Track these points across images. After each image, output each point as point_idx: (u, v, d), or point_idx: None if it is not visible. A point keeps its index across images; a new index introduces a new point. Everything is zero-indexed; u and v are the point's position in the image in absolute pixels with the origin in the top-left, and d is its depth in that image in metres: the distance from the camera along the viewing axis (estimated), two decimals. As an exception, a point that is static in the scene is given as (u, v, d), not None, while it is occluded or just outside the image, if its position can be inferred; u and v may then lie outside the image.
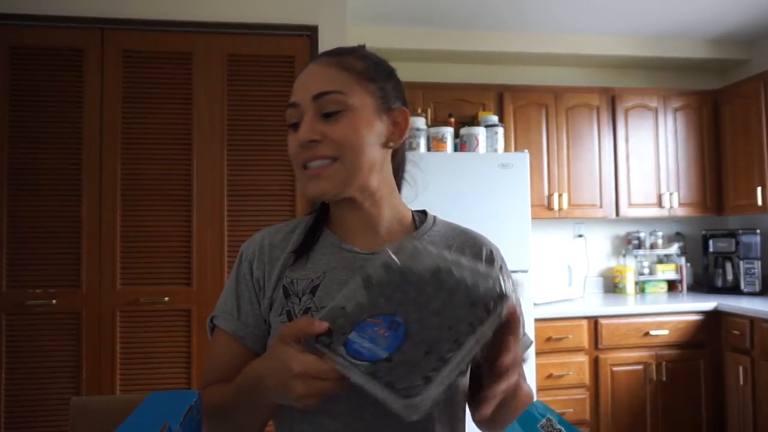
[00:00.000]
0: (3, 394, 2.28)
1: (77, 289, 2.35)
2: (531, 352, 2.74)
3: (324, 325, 0.68)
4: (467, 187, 2.74)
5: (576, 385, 2.98)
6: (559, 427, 0.63)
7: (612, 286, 3.73)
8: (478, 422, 0.84)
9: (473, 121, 3.18)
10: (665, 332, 3.07)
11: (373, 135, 0.83)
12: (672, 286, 3.68)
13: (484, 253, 0.89)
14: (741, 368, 2.92)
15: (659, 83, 3.86)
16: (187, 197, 2.44)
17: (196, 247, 2.42)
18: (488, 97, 3.34)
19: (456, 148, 2.98)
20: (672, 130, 3.53)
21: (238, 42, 2.51)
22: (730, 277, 3.46)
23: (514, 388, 0.70)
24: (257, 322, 0.87)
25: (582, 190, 3.39)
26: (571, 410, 2.96)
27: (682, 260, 3.68)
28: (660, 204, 3.48)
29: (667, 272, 3.67)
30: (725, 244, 3.49)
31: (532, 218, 2.91)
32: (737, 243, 3.44)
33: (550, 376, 2.94)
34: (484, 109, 3.30)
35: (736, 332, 2.98)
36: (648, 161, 3.48)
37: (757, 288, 3.37)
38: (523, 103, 3.36)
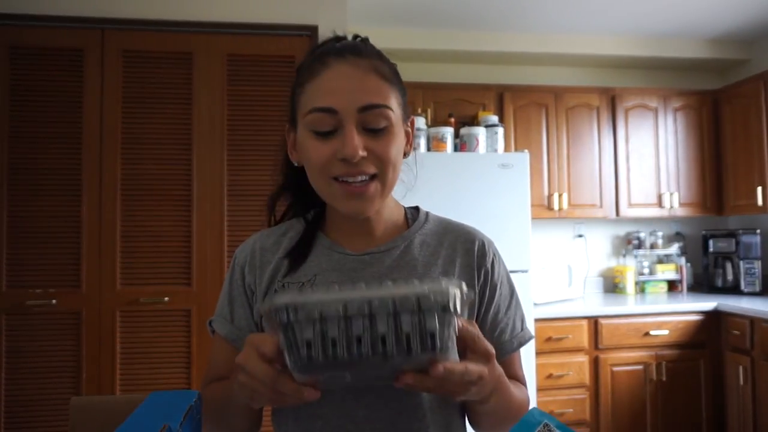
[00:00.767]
0: (3, 394, 2.28)
1: (77, 289, 2.35)
2: (531, 352, 2.74)
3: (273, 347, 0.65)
4: (467, 187, 2.74)
5: (576, 385, 2.98)
6: (556, 431, 0.63)
7: (612, 286, 3.73)
8: (473, 426, 0.85)
9: (473, 121, 3.18)
10: (665, 332, 3.07)
11: (402, 149, 0.82)
12: (672, 286, 3.68)
13: (476, 247, 0.87)
14: (741, 368, 2.92)
15: (659, 83, 3.86)
16: (187, 197, 2.44)
17: (196, 247, 2.42)
18: (488, 97, 3.34)
19: (456, 148, 2.98)
20: (672, 130, 3.53)
21: (238, 42, 2.51)
22: (730, 277, 3.46)
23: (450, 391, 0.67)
24: (250, 326, 0.87)
25: (582, 190, 3.39)
26: (571, 410, 2.96)
27: (682, 260, 3.68)
28: (660, 204, 3.48)
29: (667, 272, 3.67)
30: (725, 244, 3.49)
31: (532, 218, 2.91)
32: (737, 243, 3.44)
33: (550, 376, 2.94)
34: (484, 109, 3.29)
35: (736, 332, 2.98)
36: (648, 161, 3.48)
37: (757, 288, 3.37)
38: (523, 103, 3.36)
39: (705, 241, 3.60)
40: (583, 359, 3.00)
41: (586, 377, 2.99)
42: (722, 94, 3.53)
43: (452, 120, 3.12)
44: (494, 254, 0.89)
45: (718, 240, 3.53)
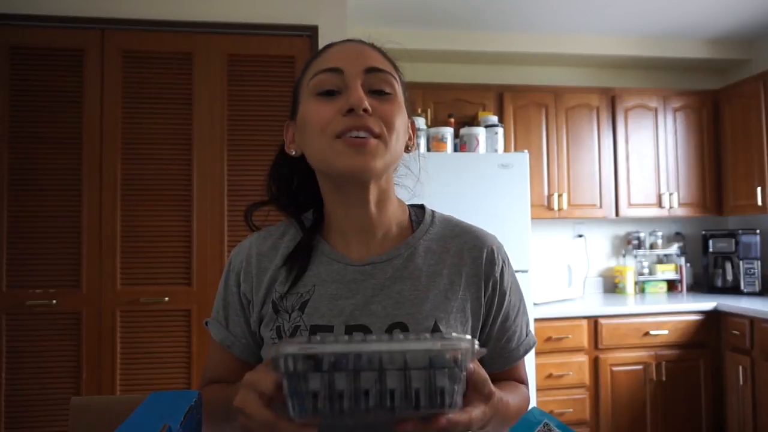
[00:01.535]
0: (3, 394, 2.28)
1: (77, 289, 2.35)
2: (531, 352, 2.74)
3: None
4: (467, 187, 2.75)
5: (576, 385, 2.98)
6: (556, 430, 0.63)
7: (612, 286, 3.73)
8: None
9: (473, 122, 3.18)
10: (665, 332, 3.07)
11: (404, 135, 0.81)
12: (672, 286, 3.68)
13: (484, 255, 0.84)
14: (741, 368, 2.92)
15: (659, 83, 3.86)
16: (187, 197, 2.44)
17: (196, 247, 2.42)
18: (488, 97, 3.34)
19: (456, 149, 2.98)
20: (672, 130, 3.53)
21: (238, 42, 2.51)
22: (729, 277, 3.46)
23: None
24: (244, 333, 0.86)
25: (582, 190, 3.39)
26: (571, 410, 2.96)
27: (682, 260, 3.68)
28: (660, 204, 3.48)
29: (667, 272, 3.67)
30: (725, 244, 3.49)
31: (532, 218, 2.91)
32: (737, 243, 3.44)
33: (549, 376, 2.94)
34: (484, 110, 3.30)
35: (735, 332, 2.98)
36: (648, 161, 3.48)
37: (757, 288, 3.37)
38: (523, 103, 3.36)
39: (705, 241, 3.60)
40: (583, 359, 3.00)
41: (586, 377, 2.99)
42: (722, 94, 3.53)
43: (452, 120, 3.12)
44: (503, 261, 0.86)
45: (717, 240, 3.53)
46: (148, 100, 2.43)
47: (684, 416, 3.07)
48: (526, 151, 2.97)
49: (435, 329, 0.78)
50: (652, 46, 3.62)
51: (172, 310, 2.40)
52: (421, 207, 0.91)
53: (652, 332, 3.06)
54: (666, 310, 3.11)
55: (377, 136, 0.75)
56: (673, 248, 3.71)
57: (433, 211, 0.90)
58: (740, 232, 3.45)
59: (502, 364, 0.87)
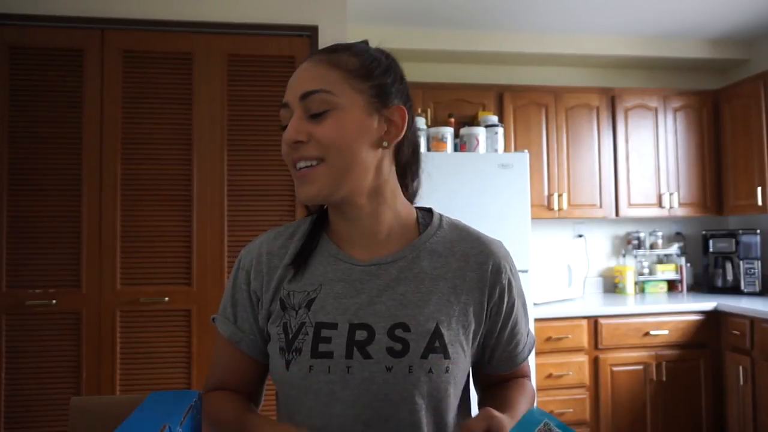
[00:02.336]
0: (3, 394, 2.28)
1: (77, 289, 2.35)
2: (531, 352, 2.74)
3: None
4: (467, 187, 2.75)
5: (576, 385, 2.98)
6: (556, 430, 0.63)
7: (612, 286, 3.73)
8: None
9: (473, 121, 3.18)
10: (665, 332, 3.07)
11: (363, 135, 0.79)
12: (672, 286, 3.68)
13: (491, 262, 0.85)
14: (741, 368, 2.92)
15: (659, 83, 3.86)
16: (187, 197, 2.44)
17: (196, 247, 2.42)
18: (488, 97, 3.34)
19: (456, 148, 2.98)
20: (672, 130, 3.53)
21: (238, 42, 2.51)
22: (730, 277, 3.46)
23: None
24: (252, 329, 0.87)
25: (582, 190, 3.39)
26: (571, 410, 2.96)
27: (682, 260, 3.68)
28: (660, 204, 3.48)
29: (667, 272, 3.67)
30: (725, 244, 3.49)
31: (532, 218, 2.91)
32: (737, 243, 3.44)
33: (549, 376, 2.94)
34: (484, 109, 3.30)
35: (736, 332, 2.98)
36: (648, 161, 3.48)
37: (757, 288, 3.37)
38: (523, 103, 3.36)
39: (705, 241, 3.60)
40: (582, 359, 3.00)
41: (586, 377, 2.99)
42: (722, 94, 3.53)
43: (452, 120, 3.12)
44: (511, 269, 0.87)
45: (718, 240, 3.53)
46: (148, 100, 2.43)
47: (684, 416, 3.07)
48: (526, 150, 2.97)
49: (436, 331, 0.78)
50: (652, 46, 3.62)
51: (172, 310, 2.40)
52: (429, 210, 0.92)
53: (652, 332, 3.06)
54: (666, 310, 3.11)
55: (321, 159, 0.78)
56: (674, 248, 3.71)
57: (441, 215, 0.91)
58: (740, 232, 3.45)
59: (510, 367, 0.91)
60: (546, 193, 3.34)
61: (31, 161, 2.35)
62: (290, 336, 0.80)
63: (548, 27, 3.43)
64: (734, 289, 3.43)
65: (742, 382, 2.92)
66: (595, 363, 3.02)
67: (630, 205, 3.44)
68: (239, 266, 0.89)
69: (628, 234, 3.76)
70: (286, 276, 0.84)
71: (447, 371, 0.78)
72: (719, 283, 3.50)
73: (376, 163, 0.82)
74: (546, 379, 2.93)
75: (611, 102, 3.47)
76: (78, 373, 2.33)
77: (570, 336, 2.99)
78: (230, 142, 2.47)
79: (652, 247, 3.71)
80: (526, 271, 2.74)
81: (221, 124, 2.47)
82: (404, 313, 0.79)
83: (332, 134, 0.77)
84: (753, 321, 2.87)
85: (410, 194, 0.91)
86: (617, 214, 3.43)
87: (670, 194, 3.48)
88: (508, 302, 0.85)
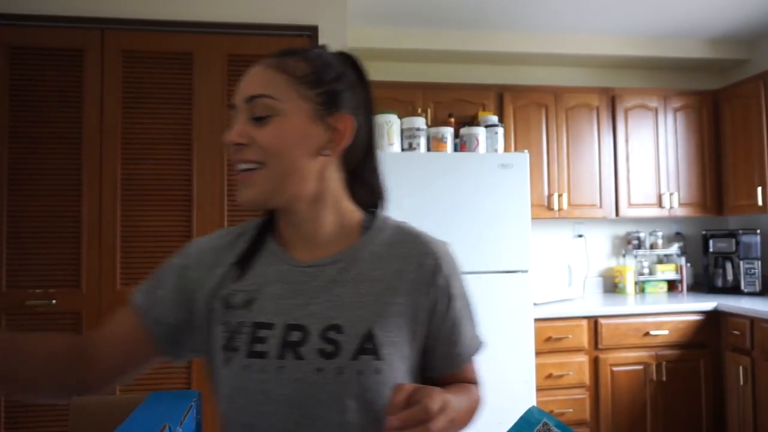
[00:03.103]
0: (3, 394, 2.28)
1: (77, 289, 2.35)
2: (531, 352, 2.74)
3: None
4: (467, 187, 2.74)
5: (576, 385, 2.98)
6: (555, 430, 0.63)
7: (612, 286, 3.73)
8: None
9: (473, 121, 3.18)
10: (665, 332, 3.07)
11: (303, 143, 0.80)
12: (672, 286, 3.68)
13: (429, 261, 0.85)
14: (741, 368, 2.92)
15: (659, 83, 3.86)
16: (187, 197, 2.44)
17: (196, 247, 2.42)
18: (488, 97, 3.34)
19: (456, 148, 2.98)
20: (672, 130, 3.53)
21: (238, 42, 2.51)
22: (730, 277, 3.46)
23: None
24: (165, 310, 0.85)
25: (582, 190, 3.39)
26: (571, 410, 2.96)
27: (682, 260, 3.68)
28: (660, 204, 3.48)
29: (667, 272, 3.67)
30: (725, 244, 3.49)
31: (532, 218, 2.91)
32: (737, 243, 3.44)
33: (549, 376, 2.94)
34: (484, 109, 3.30)
35: (736, 332, 2.98)
36: (648, 161, 3.48)
37: (757, 288, 3.37)
38: (523, 103, 3.36)
39: (705, 241, 3.60)
40: (582, 359, 3.00)
41: (586, 377, 2.99)
42: (722, 94, 3.53)
43: (452, 120, 3.12)
44: (450, 268, 0.87)
45: (718, 240, 3.53)
46: (148, 100, 2.43)
47: (684, 416, 3.07)
48: (526, 151, 2.97)
49: (369, 333, 0.79)
50: (652, 46, 3.62)
51: (172, 310, 2.40)
52: (376, 214, 0.91)
53: (652, 332, 3.06)
54: (666, 310, 3.11)
55: (261, 163, 0.79)
56: (674, 248, 3.71)
57: (386, 218, 0.90)
58: (740, 232, 3.45)
59: (450, 367, 0.89)
60: (546, 193, 3.34)
61: (31, 161, 2.35)
62: (230, 335, 0.81)
63: (548, 27, 3.43)
64: (734, 289, 3.43)
65: (742, 382, 2.91)
66: (595, 363, 3.02)
67: (630, 205, 3.44)
68: (182, 253, 0.89)
69: (628, 234, 3.75)
70: (229, 275, 0.85)
71: (378, 372, 0.77)
72: (719, 283, 3.50)
73: (318, 171, 0.82)
74: (546, 379, 2.93)
75: (611, 102, 3.47)
76: (78, 373, 2.33)
77: (570, 336, 2.99)
78: (230, 142, 2.47)
79: (652, 247, 3.71)
80: (526, 271, 2.74)
81: (221, 124, 2.46)
82: (339, 314, 0.80)
83: (272, 140, 0.78)
84: (753, 321, 2.87)
85: (359, 199, 0.90)
86: (617, 214, 3.43)
87: (670, 194, 3.48)
88: (445, 301, 0.85)
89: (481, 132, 2.96)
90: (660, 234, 3.72)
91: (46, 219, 2.35)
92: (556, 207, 3.33)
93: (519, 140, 3.32)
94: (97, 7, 2.42)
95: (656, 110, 3.51)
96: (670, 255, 3.73)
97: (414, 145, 2.84)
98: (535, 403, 2.76)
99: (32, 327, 2.31)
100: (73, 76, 2.40)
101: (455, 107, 3.27)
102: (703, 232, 3.63)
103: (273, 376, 0.77)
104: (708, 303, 3.13)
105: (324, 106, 0.81)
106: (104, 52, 2.42)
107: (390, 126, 2.84)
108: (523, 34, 3.51)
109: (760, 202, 3.22)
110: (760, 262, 3.39)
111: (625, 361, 3.03)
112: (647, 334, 3.06)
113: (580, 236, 3.72)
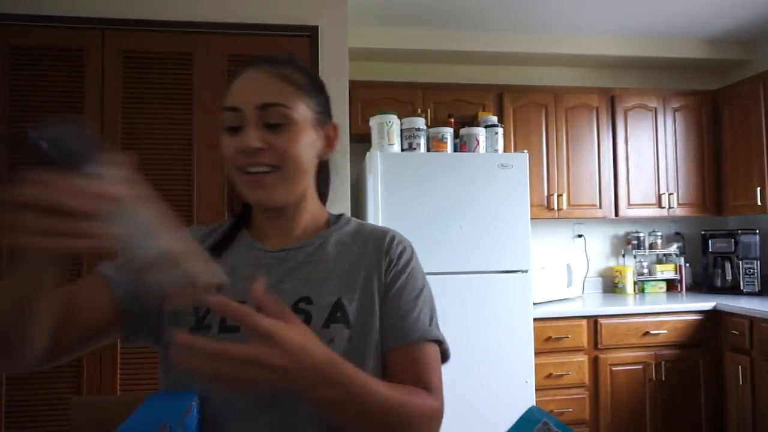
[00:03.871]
0: (3, 394, 2.29)
1: (77, 288, 2.35)
2: (531, 352, 2.74)
3: None
4: (467, 187, 2.74)
5: (575, 385, 2.98)
6: (555, 429, 0.63)
7: (611, 286, 3.74)
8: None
9: (473, 122, 3.18)
10: (665, 332, 3.08)
11: (310, 147, 0.87)
12: (671, 286, 3.69)
13: (386, 239, 0.93)
14: (740, 368, 2.92)
15: (658, 83, 3.86)
16: (187, 197, 2.44)
17: (196, 247, 2.42)
18: (488, 98, 3.34)
19: (456, 149, 2.98)
20: (671, 131, 3.53)
21: (238, 42, 2.51)
22: (729, 277, 3.47)
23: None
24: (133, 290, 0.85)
25: (581, 191, 3.39)
26: (571, 410, 2.96)
27: (682, 260, 3.69)
28: (659, 204, 3.48)
29: (667, 272, 3.67)
30: (724, 244, 3.50)
31: (532, 218, 2.91)
32: (736, 243, 3.44)
33: (549, 375, 2.95)
34: (483, 110, 3.30)
35: (735, 332, 2.98)
36: (647, 161, 3.48)
37: (757, 288, 3.37)
38: (522, 103, 3.36)
39: (704, 241, 3.60)
40: (582, 359, 3.00)
41: (586, 377, 3.00)
42: (722, 94, 3.53)
43: (452, 120, 3.12)
44: (404, 247, 0.93)
45: (717, 240, 3.54)
46: (148, 100, 2.43)
47: (684, 416, 3.07)
48: (525, 151, 2.97)
49: (338, 303, 0.84)
50: (652, 46, 3.62)
51: (172, 309, 2.40)
52: (341, 215, 1.00)
53: (651, 332, 3.07)
54: (665, 309, 3.12)
55: (276, 167, 0.84)
56: (673, 248, 3.72)
57: (351, 218, 0.99)
58: (740, 232, 3.45)
59: (394, 340, 0.86)
60: (546, 193, 3.34)
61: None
62: (200, 315, 0.83)
63: (548, 27, 3.43)
64: (733, 289, 3.43)
65: (741, 382, 2.92)
66: (594, 363, 3.02)
67: (629, 205, 3.45)
68: None
69: (628, 234, 3.76)
70: None
71: (350, 341, 0.81)
72: (718, 283, 3.50)
73: (312, 172, 0.91)
74: (546, 378, 2.94)
75: (611, 102, 3.47)
76: (78, 373, 2.33)
77: (570, 336, 2.99)
78: (230, 142, 2.47)
79: (652, 247, 3.71)
80: (525, 271, 2.74)
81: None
82: (308, 288, 0.85)
83: (288, 146, 0.84)
84: (752, 321, 2.87)
85: (322, 196, 1.00)
86: (617, 214, 3.43)
87: (670, 194, 3.49)
88: (395, 272, 0.90)
89: (481, 132, 2.96)
90: (659, 234, 3.73)
91: (46, 219, 2.35)
92: (555, 207, 3.33)
93: (519, 140, 3.33)
94: (98, 8, 2.42)
95: (656, 110, 3.51)
96: (670, 255, 3.73)
97: (414, 146, 2.84)
98: (535, 403, 2.77)
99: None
100: (73, 76, 2.40)
101: (455, 107, 3.27)
102: (703, 232, 3.63)
103: None
104: (707, 303, 3.13)
105: (320, 114, 0.90)
106: (104, 53, 2.42)
107: (390, 126, 2.84)
108: (523, 34, 3.51)
109: (759, 202, 3.22)
110: (759, 262, 3.39)
111: (624, 360, 3.04)
112: (647, 333, 3.06)
113: (580, 236, 3.73)
